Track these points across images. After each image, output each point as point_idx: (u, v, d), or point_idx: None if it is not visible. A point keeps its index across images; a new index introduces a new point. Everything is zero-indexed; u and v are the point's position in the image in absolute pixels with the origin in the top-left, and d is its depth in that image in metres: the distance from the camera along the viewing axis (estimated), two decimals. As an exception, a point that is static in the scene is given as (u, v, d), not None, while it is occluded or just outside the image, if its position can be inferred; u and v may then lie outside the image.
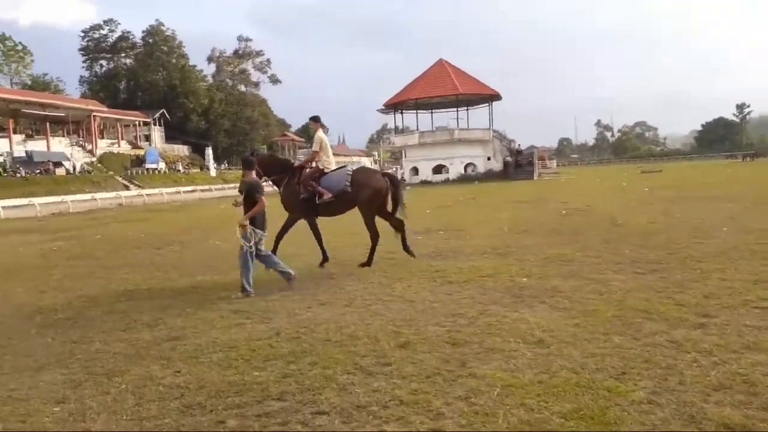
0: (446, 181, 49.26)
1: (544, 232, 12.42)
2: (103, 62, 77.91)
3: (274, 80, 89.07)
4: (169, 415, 3.88)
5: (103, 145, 58.31)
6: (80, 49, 77.01)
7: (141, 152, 59.89)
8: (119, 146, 60.85)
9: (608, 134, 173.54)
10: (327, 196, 8.89)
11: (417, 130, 54.84)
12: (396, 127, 57.80)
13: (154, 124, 67.48)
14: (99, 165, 52.92)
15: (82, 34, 76.85)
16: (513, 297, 6.68)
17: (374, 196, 8.98)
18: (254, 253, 7.41)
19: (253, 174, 7.78)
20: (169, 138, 70.37)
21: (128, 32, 77.24)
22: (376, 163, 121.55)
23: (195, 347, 5.38)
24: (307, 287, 7.75)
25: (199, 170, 63.10)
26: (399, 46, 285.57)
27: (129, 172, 52.77)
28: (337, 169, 9.30)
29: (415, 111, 55.79)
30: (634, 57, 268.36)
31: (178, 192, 47.36)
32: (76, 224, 21.78)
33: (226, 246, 11.91)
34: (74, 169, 48.70)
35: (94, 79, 77.32)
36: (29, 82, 67.26)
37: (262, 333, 5.71)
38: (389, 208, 9.39)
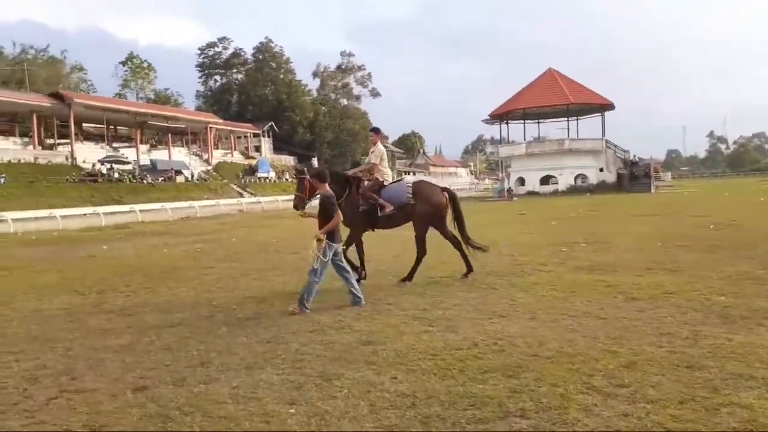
0: (555, 193, 47.65)
1: (704, 247, 11.46)
2: (217, 77, 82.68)
3: (375, 94, 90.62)
4: (412, 425, 3.71)
5: (217, 155, 61.69)
6: (197, 66, 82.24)
7: (253, 162, 62.83)
8: (232, 156, 64.13)
9: (722, 146, 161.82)
10: (389, 208, 8.67)
11: (524, 139, 53.54)
12: (501, 138, 56.72)
13: (264, 136, 70.57)
14: (214, 173, 55.97)
15: (199, 52, 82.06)
16: (720, 317, 6.08)
17: (434, 211, 8.79)
18: (326, 265, 7.12)
19: (327, 187, 7.50)
20: (277, 149, 73.36)
21: (240, 49, 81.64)
22: (472, 174, 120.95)
23: (395, 353, 5.26)
24: (470, 296, 7.52)
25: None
26: (491, 57, 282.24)
27: (242, 180, 55.39)
28: (395, 181, 9.20)
29: (522, 121, 54.53)
30: (747, 66, 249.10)
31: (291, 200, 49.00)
32: (208, 228, 22.92)
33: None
34: (192, 176, 51.77)
35: (208, 93, 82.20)
36: (152, 97, 72.60)
37: (457, 343, 5.49)
38: (445, 225, 9.04)
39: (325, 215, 7.19)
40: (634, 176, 47.50)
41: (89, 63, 79.53)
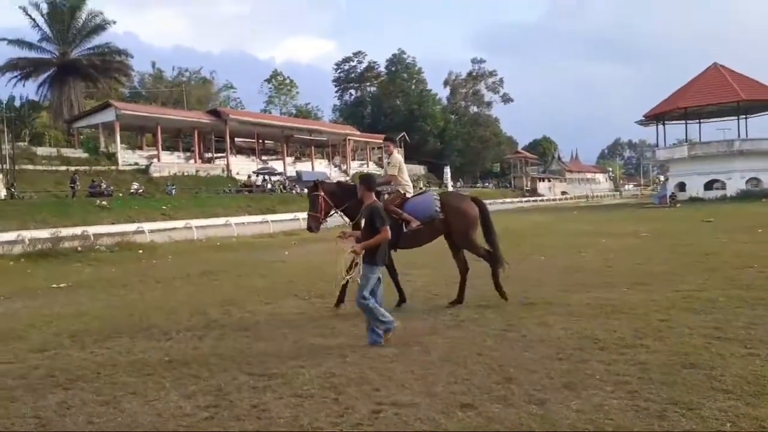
0: (723, 198, 43.18)
1: None
2: (352, 91, 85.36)
3: (506, 99, 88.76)
4: None
5: (354, 166, 63.33)
6: (333, 80, 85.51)
7: (388, 171, 63.85)
8: (368, 166, 65.53)
9: None
10: (415, 223, 7.77)
11: (686, 141, 49.31)
12: (657, 140, 52.50)
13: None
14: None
15: (335, 67, 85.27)
16: None
17: (469, 224, 7.99)
18: (369, 282, 6.18)
19: (373, 196, 6.46)
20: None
21: (374, 62, 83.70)
22: (611, 180, 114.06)
23: (734, 377, 4.42)
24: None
25: (437, 188, 65.06)
26: (627, 59, 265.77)
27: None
28: (418, 193, 8.55)
29: (683, 121, 50.23)
30: None
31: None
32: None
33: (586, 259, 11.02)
34: (333, 187, 53.42)
35: (344, 107, 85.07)
36: (294, 111, 76.44)
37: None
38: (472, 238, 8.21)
39: (371, 231, 6.15)
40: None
41: (233, 82, 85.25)
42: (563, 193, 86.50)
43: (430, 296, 9.00)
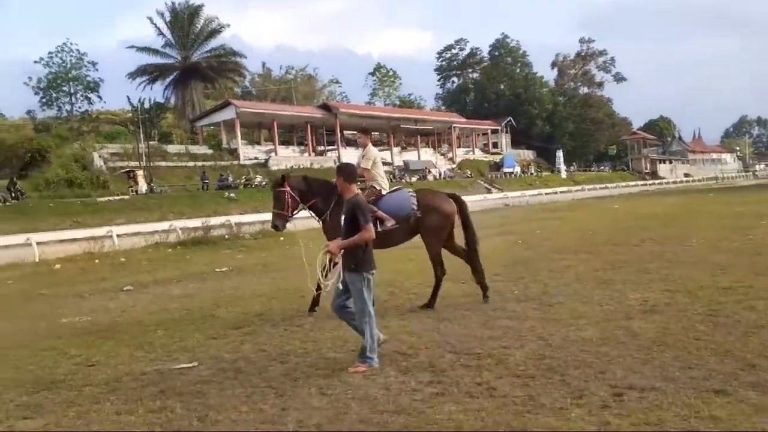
0: None
1: None
2: (454, 78, 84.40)
3: (619, 78, 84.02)
4: None
5: (460, 153, 62.74)
6: (435, 69, 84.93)
7: (496, 158, 62.74)
8: (473, 153, 64.75)
9: None
10: (390, 222, 7.24)
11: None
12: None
13: (502, 131, 69.94)
14: (459, 171, 56.93)
15: (437, 56, 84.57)
16: None
17: (445, 223, 7.52)
18: (337, 300, 5.39)
19: (354, 189, 5.50)
20: (515, 143, 72.17)
21: (476, 48, 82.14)
22: (739, 160, 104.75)
23: None
24: None
25: (549, 173, 62.99)
26: (741, 32, 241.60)
27: (490, 176, 55.49)
28: (393, 190, 7.88)
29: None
30: None
31: (540, 193, 47.42)
32: (494, 222, 22.70)
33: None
34: (440, 175, 53.23)
35: (446, 95, 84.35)
36: (398, 102, 76.89)
37: None
38: (453, 238, 7.80)
39: (354, 229, 5.19)
40: None
41: (333, 77, 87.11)
42: (686, 175, 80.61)
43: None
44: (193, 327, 7.19)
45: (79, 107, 53.34)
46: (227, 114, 46.07)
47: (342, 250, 5.23)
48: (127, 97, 58.80)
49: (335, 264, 5.55)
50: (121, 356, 6.07)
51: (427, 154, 59.57)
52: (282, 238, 18.69)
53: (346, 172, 5.51)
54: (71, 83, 51.67)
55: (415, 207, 7.37)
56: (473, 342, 5.69)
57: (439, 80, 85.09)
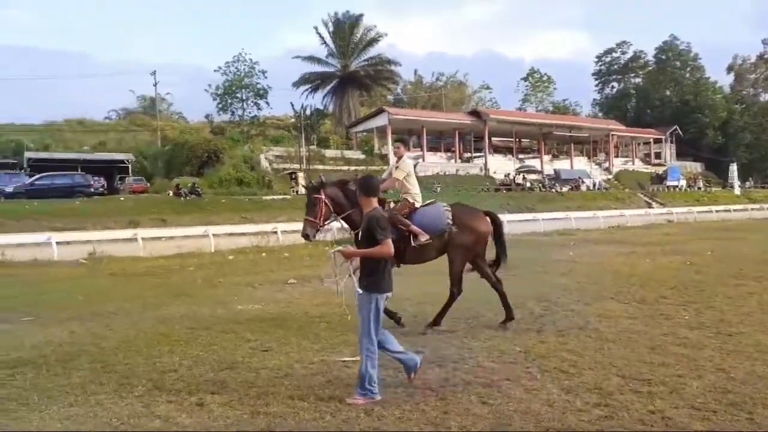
0: None
1: None
2: (614, 84, 79.56)
3: (813, 83, 73.53)
4: None
5: (617, 163, 58.97)
6: (593, 74, 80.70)
7: (659, 170, 58.15)
8: (633, 164, 60.52)
9: None
10: (424, 237, 7.02)
11: None
12: None
13: (666, 141, 64.60)
14: (615, 182, 53.55)
15: (596, 59, 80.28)
16: None
17: (478, 241, 7.29)
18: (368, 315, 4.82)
19: (375, 203, 5.13)
20: (680, 155, 66.23)
21: (640, 51, 76.72)
22: None
23: None
24: None
25: (720, 188, 56.94)
26: None
27: (651, 188, 51.60)
28: (427, 203, 7.49)
29: None
30: None
31: (710, 210, 43.03)
32: (654, 238, 21.10)
33: None
34: (594, 185, 50.45)
35: (604, 101, 79.82)
36: (550, 108, 74.32)
37: None
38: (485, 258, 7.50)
39: (370, 244, 4.87)
40: None
41: (483, 83, 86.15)
42: None
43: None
44: (353, 322, 7.54)
45: (249, 112, 58.46)
46: (380, 120, 47.75)
47: (353, 260, 5.09)
48: (291, 104, 63.46)
49: (350, 268, 5.23)
50: (290, 344, 6.57)
51: (580, 163, 56.82)
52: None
53: (366, 185, 5.19)
54: (243, 90, 56.79)
55: (450, 222, 7.15)
56: (642, 367, 5.36)
57: (597, 85, 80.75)
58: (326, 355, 6.11)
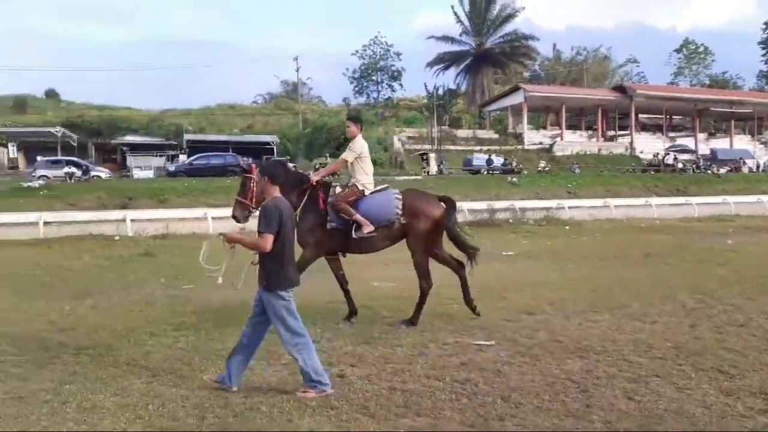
0: None
1: None
2: (785, 51, 70.15)
3: None
4: None
5: (789, 142, 52.19)
6: (760, 42, 71.65)
7: None
8: (808, 142, 53.18)
9: None
10: (367, 228, 6.49)
11: None
12: None
13: None
14: (785, 163, 47.46)
15: (764, 26, 71.18)
16: None
17: (434, 228, 6.70)
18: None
19: (277, 191, 4.77)
20: None
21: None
22: None
23: None
24: None
25: None
26: None
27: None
28: (378, 190, 6.82)
29: None
30: None
31: None
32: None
33: None
34: (758, 167, 45.10)
35: (772, 72, 70.76)
36: (707, 82, 67.41)
37: None
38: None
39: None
40: None
41: (629, 56, 79.61)
42: None
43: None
44: (486, 306, 7.44)
45: (383, 94, 59.57)
46: (515, 98, 46.34)
47: (234, 244, 4.80)
48: (424, 84, 63.48)
49: (232, 251, 4.87)
50: (423, 323, 6.63)
51: (742, 142, 51.10)
52: (567, 227, 18.21)
53: (270, 171, 4.84)
54: (378, 73, 57.88)
55: (399, 211, 6.61)
56: (822, 373, 4.72)
57: (764, 55, 71.71)
58: (459, 336, 6.10)
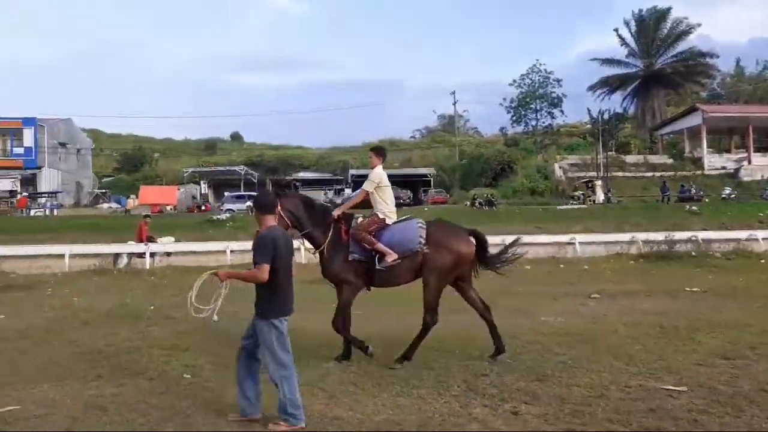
0: None
1: None
2: None
3: None
4: None
5: None
6: None
7: None
8: None
9: None
10: (391, 257, 6.19)
11: None
12: None
13: None
14: None
15: None
16: None
17: (456, 264, 6.32)
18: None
19: (271, 221, 4.76)
20: None
21: None
22: None
23: None
24: None
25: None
26: None
27: None
28: (401, 220, 6.62)
29: None
30: None
31: None
32: None
33: None
34: None
35: None
36: None
37: None
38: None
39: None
40: None
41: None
42: None
43: None
44: (673, 348, 6.78)
45: (543, 122, 58.00)
46: (692, 120, 42.53)
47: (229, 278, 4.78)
48: (588, 109, 60.75)
49: (220, 293, 4.82)
50: (601, 363, 6.18)
51: None
52: (762, 261, 16.06)
53: (260, 202, 4.93)
54: (537, 101, 56.61)
55: (422, 241, 6.28)
56: None
57: None
58: (644, 379, 5.59)
